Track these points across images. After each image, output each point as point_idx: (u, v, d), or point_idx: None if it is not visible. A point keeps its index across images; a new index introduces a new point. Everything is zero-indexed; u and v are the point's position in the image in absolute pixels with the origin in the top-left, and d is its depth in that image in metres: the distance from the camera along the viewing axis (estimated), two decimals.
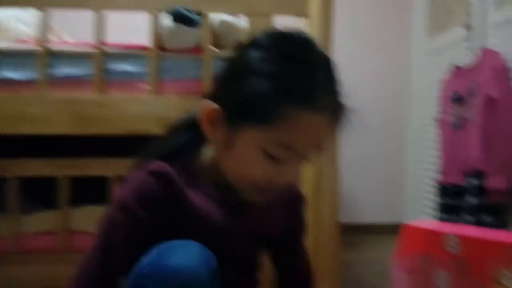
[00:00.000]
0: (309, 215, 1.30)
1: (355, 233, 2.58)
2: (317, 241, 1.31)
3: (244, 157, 0.61)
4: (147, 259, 0.57)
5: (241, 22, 1.41)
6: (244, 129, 0.59)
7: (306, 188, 1.31)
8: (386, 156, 2.74)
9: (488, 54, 1.83)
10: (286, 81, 0.57)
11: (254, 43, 0.62)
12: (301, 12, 1.28)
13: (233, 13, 1.38)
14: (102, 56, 1.25)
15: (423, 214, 2.49)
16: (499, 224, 1.75)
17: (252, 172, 0.61)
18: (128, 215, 0.61)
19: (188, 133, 0.70)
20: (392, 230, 1.11)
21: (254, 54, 0.59)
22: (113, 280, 0.60)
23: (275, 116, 0.56)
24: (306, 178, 1.31)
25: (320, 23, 1.25)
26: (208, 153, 0.69)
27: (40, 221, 1.29)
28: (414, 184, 2.63)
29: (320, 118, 0.58)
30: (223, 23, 1.34)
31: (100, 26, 1.25)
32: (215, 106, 0.62)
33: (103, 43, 1.25)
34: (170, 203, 0.63)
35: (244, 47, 0.62)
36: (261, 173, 0.60)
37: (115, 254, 0.62)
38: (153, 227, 0.61)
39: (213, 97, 0.63)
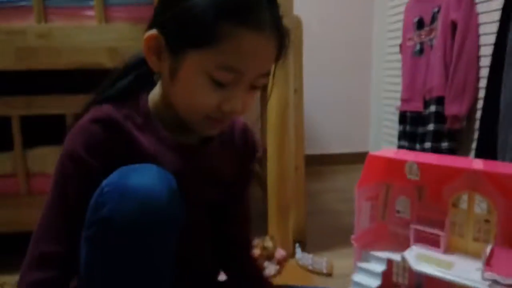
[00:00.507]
0: (275, 145, 1.30)
1: (320, 163, 2.65)
2: (283, 171, 1.32)
3: (190, 85, 0.60)
4: (107, 180, 0.56)
5: None
6: (187, 55, 0.58)
7: (272, 119, 1.29)
8: (350, 86, 2.74)
9: None
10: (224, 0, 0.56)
11: None
12: None
13: None
14: None
15: (387, 142, 2.57)
16: (456, 149, 1.82)
17: (198, 100, 0.60)
18: (78, 165, 0.60)
19: (137, 70, 0.67)
20: (357, 159, 1.12)
21: None
22: (75, 229, 0.59)
23: (215, 36, 0.55)
24: (271, 109, 1.29)
25: None
26: (157, 90, 0.67)
27: None
28: (378, 113, 2.68)
29: (260, 37, 0.57)
30: None
31: None
32: (154, 32, 0.60)
33: None
34: (119, 149, 0.61)
35: None
36: (207, 99, 0.59)
37: (72, 204, 0.60)
38: (105, 174, 0.58)
39: (153, 24, 0.61)
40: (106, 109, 0.63)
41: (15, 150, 1.20)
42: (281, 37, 0.61)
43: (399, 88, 2.18)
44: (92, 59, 1.14)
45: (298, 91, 1.45)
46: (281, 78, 1.27)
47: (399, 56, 2.21)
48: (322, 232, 1.57)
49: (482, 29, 1.68)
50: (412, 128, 2.00)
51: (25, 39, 1.11)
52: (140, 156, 0.62)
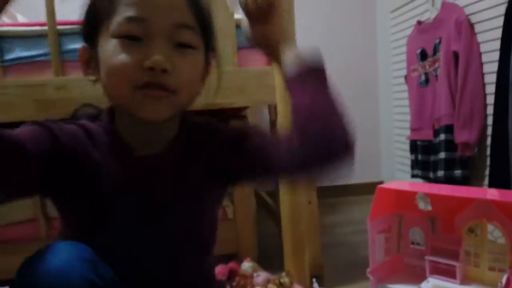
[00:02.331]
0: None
1: (334, 195, 2.64)
2: (296, 206, 1.33)
3: (105, 58, 0.56)
4: (18, 272, 0.52)
5: None
6: (99, 37, 0.58)
7: None
8: (360, 117, 2.76)
9: (449, 7, 1.84)
10: None
11: None
12: None
13: None
14: (56, 36, 1.18)
15: (399, 171, 2.56)
16: (470, 177, 1.80)
17: (115, 64, 0.55)
18: (43, 125, 0.57)
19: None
20: (371, 189, 1.13)
21: None
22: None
23: (113, 3, 0.56)
24: None
25: None
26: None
27: None
28: (389, 143, 2.69)
29: None
30: None
31: (51, 3, 1.18)
32: (81, 46, 0.62)
33: (57, 22, 1.19)
34: (76, 151, 0.58)
35: None
36: (124, 60, 0.54)
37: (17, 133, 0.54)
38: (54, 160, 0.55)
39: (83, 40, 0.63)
40: (68, 125, 0.61)
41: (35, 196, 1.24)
42: None
43: (408, 117, 2.20)
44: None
45: None
46: (288, 115, 1.30)
47: (406, 87, 2.24)
48: (339, 265, 1.56)
49: (485, 58, 1.71)
50: (424, 157, 2.01)
51: (44, 91, 1.17)
52: (91, 170, 0.59)
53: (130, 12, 0.55)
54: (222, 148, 0.67)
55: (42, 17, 1.22)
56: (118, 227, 0.60)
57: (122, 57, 0.55)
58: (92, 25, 0.59)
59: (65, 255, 0.51)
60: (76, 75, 1.20)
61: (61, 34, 1.20)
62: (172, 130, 0.65)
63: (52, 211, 1.27)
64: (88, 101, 1.18)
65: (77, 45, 1.18)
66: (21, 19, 1.74)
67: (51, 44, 1.18)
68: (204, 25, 0.61)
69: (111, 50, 0.55)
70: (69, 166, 0.57)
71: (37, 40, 1.20)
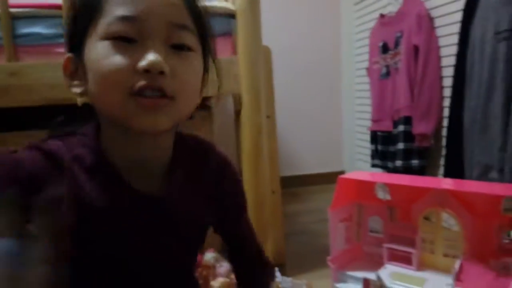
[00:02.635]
0: (250, 171, 1.32)
1: (297, 184, 2.68)
2: (260, 196, 1.34)
3: (96, 63, 0.50)
4: None
5: None
6: (87, 40, 0.52)
7: (246, 146, 1.32)
8: (323, 107, 2.81)
9: (411, 1, 1.89)
10: None
11: None
12: None
13: None
14: (9, 19, 1.12)
15: (361, 161, 2.63)
16: (426, 167, 1.88)
17: (107, 69, 0.49)
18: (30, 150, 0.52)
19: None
20: (333, 179, 1.16)
21: None
22: None
23: (96, 2, 0.51)
24: (245, 136, 1.32)
25: None
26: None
27: None
28: (350, 134, 2.74)
29: None
30: None
31: None
32: (65, 56, 0.55)
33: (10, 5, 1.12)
34: (54, 189, 0.50)
35: None
36: (115, 61, 0.49)
37: None
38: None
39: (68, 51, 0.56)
40: (52, 144, 0.54)
41: None
42: None
43: (370, 108, 2.25)
44: (64, 94, 1.14)
45: (271, 117, 1.49)
46: (253, 105, 1.30)
47: (367, 79, 2.29)
48: (301, 254, 1.59)
49: (443, 52, 1.77)
50: (384, 147, 2.07)
51: None
52: (83, 207, 0.52)
53: (121, 11, 0.50)
54: (222, 183, 0.67)
55: None
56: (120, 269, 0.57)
57: (113, 60, 0.49)
58: (77, 30, 0.53)
59: None
60: (30, 61, 1.15)
61: (15, 18, 1.13)
62: (168, 148, 0.60)
63: None
64: (43, 88, 1.13)
65: (31, 29, 1.15)
66: None
67: (4, 27, 1.11)
68: (201, 27, 0.57)
69: (100, 54, 0.50)
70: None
71: None
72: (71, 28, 0.55)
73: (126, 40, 0.50)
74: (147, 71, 0.49)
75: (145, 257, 0.58)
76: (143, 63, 0.49)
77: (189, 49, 0.54)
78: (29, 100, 1.13)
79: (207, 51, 0.59)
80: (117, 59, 0.49)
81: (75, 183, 0.52)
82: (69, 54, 0.55)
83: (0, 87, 1.11)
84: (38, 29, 1.15)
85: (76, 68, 0.54)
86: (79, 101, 0.58)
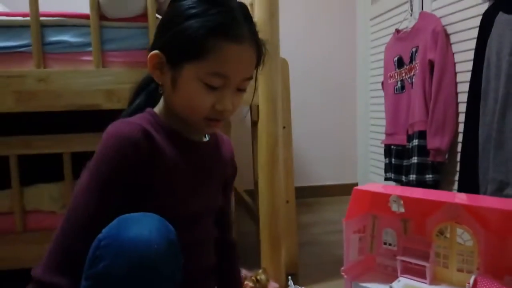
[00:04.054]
0: (266, 181, 1.34)
1: (311, 195, 2.69)
2: (274, 205, 1.36)
3: (188, 91, 0.71)
4: (106, 231, 0.59)
5: None
6: (184, 67, 0.70)
7: (262, 155, 1.34)
8: (338, 121, 2.83)
9: (427, 18, 1.91)
10: (210, 20, 0.68)
11: None
12: None
13: None
14: (39, 27, 1.17)
15: (374, 174, 2.63)
16: (440, 182, 1.87)
17: (196, 103, 0.72)
18: (119, 150, 0.67)
19: (147, 88, 0.82)
20: (347, 191, 1.17)
21: (182, 3, 0.71)
22: (108, 214, 0.62)
23: (205, 50, 0.68)
24: (262, 146, 1.34)
25: None
26: (161, 104, 0.79)
27: None
28: (365, 147, 2.75)
29: (240, 47, 0.70)
30: None
31: None
32: (156, 52, 0.73)
33: (40, 13, 1.17)
34: (149, 159, 0.69)
35: (174, 1, 0.74)
36: (203, 101, 0.71)
37: (107, 189, 0.66)
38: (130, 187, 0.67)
39: (154, 45, 0.74)
40: (136, 120, 0.72)
41: (13, 189, 1.22)
42: (259, 47, 0.75)
43: (384, 122, 2.26)
44: (90, 101, 1.18)
45: (287, 127, 1.52)
46: (270, 116, 1.33)
47: (382, 93, 2.31)
48: (314, 264, 1.59)
49: (458, 67, 1.78)
50: (398, 161, 2.07)
51: (24, 83, 1.16)
52: (163, 165, 0.71)
53: (220, 69, 0.69)
54: (232, 167, 0.92)
55: (24, 7, 1.20)
56: (178, 195, 0.74)
57: (202, 99, 0.71)
58: (181, 53, 0.70)
59: (155, 231, 0.59)
60: (57, 68, 1.19)
61: (44, 26, 1.18)
62: None
63: (29, 204, 1.25)
64: (69, 94, 1.18)
65: (60, 37, 1.19)
66: (1, 8, 1.70)
67: (34, 35, 1.16)
68: (259, 60, 0.76)
69: (194, 90, 0.70)
70: (148, 170, 0.69)
71: (19, 30, 1.18)
72: (175, 44, 0.70)
73: (213, 87, 0.71)
74: (221, 111, 0.72)
75: (196, 194, 0.78)
76: (220, 107, 0.72)
77: (245, 89, 0.76)
78: (56, 106, 1.17)
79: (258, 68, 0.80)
80: (205, 100, 0.71)
81: (158, 147, 0.71)
82: (157, 51, 0.72)
83: (29, 92, 1.15)
84: (66, 37, 1.20)
85: (162, 65, 0.73)
86: (160, 89, 0.78)
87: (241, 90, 0.75)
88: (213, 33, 0.68)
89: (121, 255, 0.56)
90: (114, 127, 0.69)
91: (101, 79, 1.19)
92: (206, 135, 0.84)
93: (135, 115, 0.76)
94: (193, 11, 0.70)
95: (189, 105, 0.73)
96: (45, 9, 1.20)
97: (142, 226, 0.58)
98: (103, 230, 0.59)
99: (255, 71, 0.77)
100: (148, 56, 0.73)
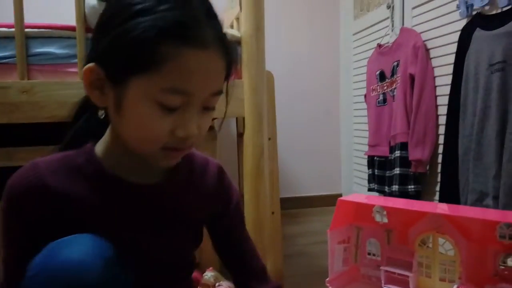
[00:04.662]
0: (251, 192, 1.35)
1: (296, 206, 2.70)
2: (260, 216, 1.36)
3: (137, 114, 0.55)
4: (33, 261, 0.53)
5: None
6: (129, 82, 0.54)
7: (247, 166, 1.35)
8: (322, 133, 2.86)
9: (407, 33, 1.96)
10: (162, 18, 0.52)
11: None
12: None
13: None
14: (24, 38, 1.16)
15: (356, 185, 2.66)
16: (422, 192, 1.91)
17: (149, 129, 0.55)
18: (15, 214, 0.58)
19: (88, 112, 0.66)
20: (332, 201, 1.18)
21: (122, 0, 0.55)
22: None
23: (156, 58, 0.51)
24: (247, 157, 1.35)
25: (252, 5, 1.27)
26: (108, 131, 0.64)
27: None
28: (348, 158, 2.78)
29: (204, 54, 0.54)
30: None
31: (20, 6, 1.16)
32: (91, 65, 0.56)
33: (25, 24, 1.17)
34: (53, 214, 0.58)
35: None
36: (158, 127, 0.55)
37: (22, 242, 0.58)
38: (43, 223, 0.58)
39: (91, 56, 0.58)
40: (44, 164, 0.60)
41: None
42: (228, 53, 0.58)
43: (367, 134, 2.30)
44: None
45: (272, 139, 1.53)
46: (255, 128, 1.34)
47: (364, 105, 2.35)
48: (299, 275, 1.60)
49: (438, 81, 1.83)
50: (380, 172, 2.10)
51: (7, 94, 1.14)
52: (80, 213, 0.59)
53: (177, 83, 0.53)
54: (220, 197, 0.75)
55: (9, 18, 1.20)
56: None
57: (156, 125, 0.55)
58: (124, 65, 0.54)
59: (87, 250, 0.52)
60: (41, 79, 1.18)
61: (29, 37, 1.18)
62: None
63: None
64: (53, 105, 1.17)
65: (45, 49, 1.19)
66: None
67: (18, 46, 1.15)
68: (229, 70, 0.61)
69: (146, 113, 0.54)
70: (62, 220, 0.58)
71: (3, 41, 1.17)
72: (116, 54, 0.54)
73: (171, 107, 0.54)
74: (183, 137, 0.56)
75: (142, 250, 0.63)
76: (182, 133, 0.56)
77: (213, 108, 0.60)
78: (39, 117, 1.16)
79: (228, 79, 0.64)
80: (161, 125, 0.55)
81: (64, 199, 0.58)
82: (92, 65, 0.56)
83: (12, 104, 1.14)
84: (52, 49, 1.19)
85: (100, 81, 0.57)
86: (100, 113, 0.62)
87: (208, 108, 0.59)
88: (167, 35, 0.51)
89: (51, 283, 0.50)
90: (12, 178, 0.58)
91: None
92: (179, 171, 0.67)
93: (63, 152, 0.63)
94: (139, 6, 0.52)
95: (141, 134, 0.56)
96: (30, 21, 1.19)
97: (72, 248, 0.52)
98: (32, 261, 0.53)
99: (225, 83, 0.60)
100: (82, 72, 0.57)
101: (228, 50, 0.58)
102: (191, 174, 0.70)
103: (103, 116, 0.62)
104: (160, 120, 0.54)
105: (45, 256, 0.52)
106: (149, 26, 0.51)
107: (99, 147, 0.64)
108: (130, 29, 0.52)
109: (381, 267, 1.10)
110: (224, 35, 0.58)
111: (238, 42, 1.31)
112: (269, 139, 1.45)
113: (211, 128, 1.39)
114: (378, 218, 1.13)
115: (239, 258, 0.78)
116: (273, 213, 1.50)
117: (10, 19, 1.17)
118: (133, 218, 0.63)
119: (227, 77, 0.61)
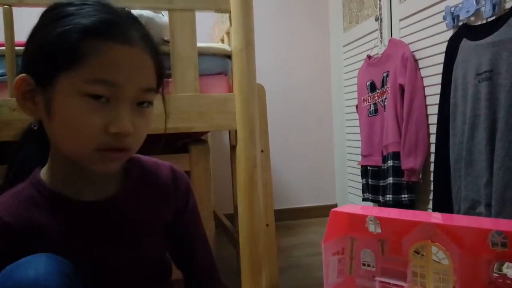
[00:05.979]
0: (245, 204, 1.35)
1: (291, 217, 2.70)
2: (254, 229, 1.36)
3: (66, 112, 0.54)
4: None
5: (163, 18, 1.39)
6: (56, 83, 0.54)
7: (241, 179, 1.35)
8: (316, 144, 2.87)
9: (396, 44, 1.99)
10: (86, 17, 0.54)
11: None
12: (221, 8, 1.31)
13: (154, 9, 1.36)
14: (14, 56, 1.16)
15: (351, 195, 2.66)
16: (415, 201, 1.92)
17: (80, 126, 0.54)
18: None
19: (33, 135, 0.66)
20: (325, 212, 1.19)
21: (54, 6, 0.58)
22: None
23: (80, 53, 0.53)
24: (240, 170, 1.35)
25: (241, 20, 1.28)
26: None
27: None
28: (342, 168, 2.79)
29: (126, 47, 0.56)
30: (144, 19, 1.31)
31: (10, 25, 1.16)
32: (21, 76, 0.57)
33: None
34: (19, 238, 0.58)
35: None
36: (89, 122, 0.54)
37: None
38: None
39: (22, 69, 0.59)
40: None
41: None
42: (157, 56, 0.60)
43: (359, 144, 2.31)
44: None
45: (265, 151, 1.54)
46: (248, 140, 1.34)
47: (356, 116, 2.37)
48: (294, 287, 1.59)
49: (428, 91, 1.85)
50: (374, 181, 2.11)
51: None
52: (41, 241, 0.59)
53: (102, 74, 0.54)
54: (178, 198, 0.73)
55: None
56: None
57: (87, 121, 0.54)
58: (49, 64, 0.55)
59: (42, 267, 0.52)
60: None
61: (20, 55, 1.18)
62: (118, 169, 0.66)
63: None
64: (11, 125, 1.16)
65: None
66: None
67: (8, 64, 1.16)
68: (160, 72, 0.62)
69: (75, 111, 0.54)
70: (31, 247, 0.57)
71: None
72: (39, 55, 0.56)
73: (100, 99, 0.54)
74: (116, 133, 0.55)
75: (108, 265, 0.63)
76: (114, 128, 0.55)
77: (150, 103, 0.61)
78: None
79: (160, 85, 0.64)
80: (91, 120, 0.54)
81: (30, 227, 0.58)
82: (22, 75, 0.57)
83: (2, 121, 1.14)
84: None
85: (33, 92, 0.57)
86: (33, 125, 0.63)
87: (142, 106, 0.59)
88: (91, 32, 0.53)
89: None
90: None
91: None
92: (131, 178, 0.67)
93: (13, 188, 0.62)
94: (64, 13, 0.55)
95: (72, 133, 0.55)
96: (21, 39, 1.20)
97: (27, 267, 0.51)
98: None
99: (155, 74, 0.61)
100: (13, 86, 0.57)
101: (157, 53, 0.60)
102: (143, 180, 0.69)
103: (36, 127, 0.62)
104: (89, 115, 0.54)
105: (1, 277, 0.52)
106: (73, 24, 0.53)
107: (45, 170, 0.64)
108: (54, 29, 0.54)
109: (376, 278, 1.10)
110: (149, 35, 0.60)
111: (229, 56, 1.33)
112: (262, 151, 1.46)
113: (203, 141, 1.40)
114: (371, 228, 1.13)
115: (190, 259, 0.78)
116: (267, 225, 1.50)
117: (1, 37, 1.18)
118: (92, 235, 0.63)
119: (159, 80, 0.62)
